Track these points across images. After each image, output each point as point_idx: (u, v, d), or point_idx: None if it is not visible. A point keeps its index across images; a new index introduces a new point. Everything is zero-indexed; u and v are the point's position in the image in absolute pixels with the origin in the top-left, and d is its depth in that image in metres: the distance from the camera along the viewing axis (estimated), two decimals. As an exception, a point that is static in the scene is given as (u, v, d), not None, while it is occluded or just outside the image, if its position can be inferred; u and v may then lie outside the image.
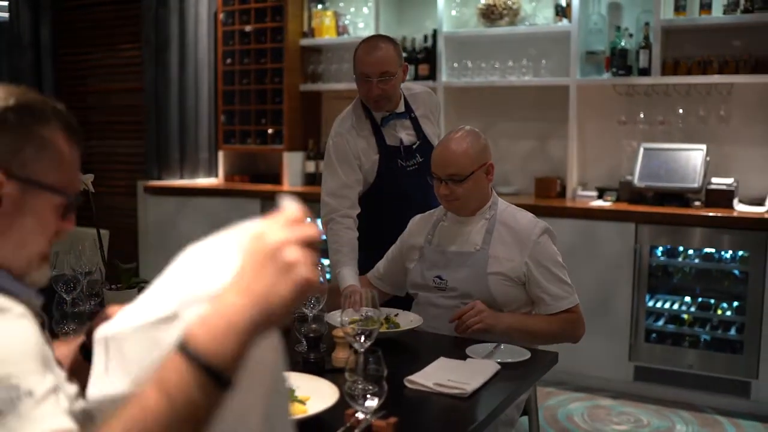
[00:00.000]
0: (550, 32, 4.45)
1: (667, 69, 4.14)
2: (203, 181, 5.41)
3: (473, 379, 1.77)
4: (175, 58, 5.23)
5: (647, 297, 3.92)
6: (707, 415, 3.67)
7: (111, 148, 5.82)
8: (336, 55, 5.23)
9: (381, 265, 2.54)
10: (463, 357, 1.94)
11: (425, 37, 4.79)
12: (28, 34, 5.72)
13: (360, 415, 1.49)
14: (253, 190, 5.03)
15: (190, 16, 5.25)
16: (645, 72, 4.15)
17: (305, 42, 5.17)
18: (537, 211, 4.16)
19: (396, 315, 2.22)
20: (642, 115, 4.33)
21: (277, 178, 5.28)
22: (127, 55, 5.59)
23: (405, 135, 2.81)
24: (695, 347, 3.85)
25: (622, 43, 4.22)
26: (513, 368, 1.91)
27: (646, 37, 4.14)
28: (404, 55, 4.80)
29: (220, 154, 5.45)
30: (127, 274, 2.28)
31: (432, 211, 2.47)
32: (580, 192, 4.39)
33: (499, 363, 1.89)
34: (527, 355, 1.99)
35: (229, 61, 5.34)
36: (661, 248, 3.95)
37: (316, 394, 1.62)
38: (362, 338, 1.72)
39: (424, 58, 4.79)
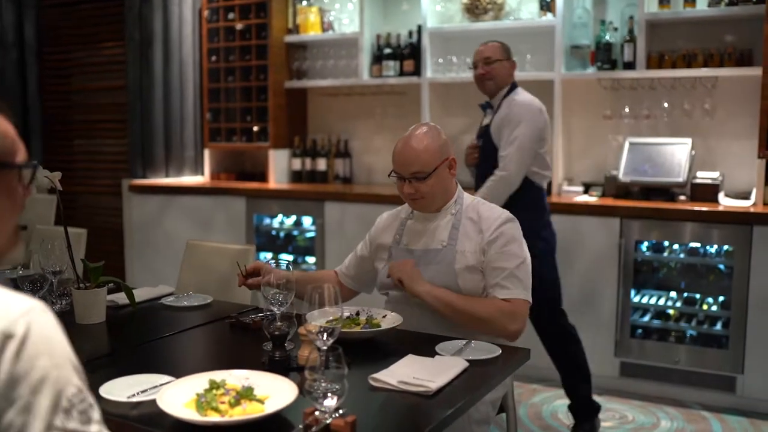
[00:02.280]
0: (535, 27, 4.41)
1: (652, 63, 4.10)
2: (189, 180, 5.38)
3: (439, 376, 1.74)
4: (159, 55, 5.20)
5: (633, 292, 3.89)
6: (693, 411, 3.64)
7: (96, 147, 5.78)
8: (321, 51, 5.20)
9: (349, 262, 2.51)
10: (432, 354, 1.91)
11: (410, 33, 4.76)
12: (12, 34, 5.68)
13: (319, 414, 1.46)
14: (238, 188, 5.00)
15: (174, 13, 5.21)
16: (630, 66, 4.11)
17: (290, 38, 5.13)
18: (522, 206, 4.18)
19: (384, 317, 2.18)
20: (627, 110, 4.30)
21: (263, 176, 5.25)
22: (110, 53, 5.55)
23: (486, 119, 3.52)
24: (681, 342, 3.82)
25: (607, 37, 4.19)
26: (482, 365, 1.88)
27: (631, 31, 4.11)
28: (388, 51, 4.81)
29: (206, 152, 5.42)
30: (95, 273, 2.24)
31: (399, 209, 2.44)
32: (566, 187, 4.36)
33: (467, 360, 1.86)
34: (497, 351, 1.96)
35: (214, 58, 5.30)
36: (646, 243, 3.93)
37: (276, 393, 1.59)
38: (324, 336, 1.69)
39: (409, 54, 4.76)
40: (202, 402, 1.51)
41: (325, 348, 1.68)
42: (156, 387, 1.64)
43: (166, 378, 1.70)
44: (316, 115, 5.40)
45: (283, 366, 1.84)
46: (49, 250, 2.34)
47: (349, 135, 5.25)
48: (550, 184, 4.37)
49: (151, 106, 5.22)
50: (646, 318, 3.95)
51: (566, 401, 3.52)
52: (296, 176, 5.23)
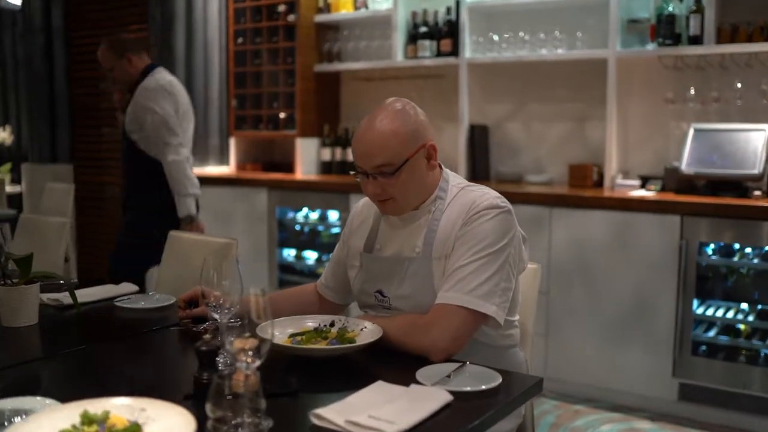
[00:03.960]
0: (587, -2, 3.90)
1: (723, 36, 3.53)
2: (213, 170, 5.05)
3: (405, 415, 1.29)
4: (181, 37, 4.88)
5: (695, 303, 3.34)
6: (766, 445, 3.08)
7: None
8: (353, 32, 4.79)
9: (328, 270, 2.08)
10: (409, 382, 1.47)
11: (448, 9, 4.30)
12: (40, 18, 5.47)
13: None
14: (260, 180, 4.64)
15: (198, -9, 4.90)
16: (696, 40, 3.56)
17: (320, 18, 4.75)
18: (571, 202, 3.69)
19: (363, 329, 1.74)
20: (692, 92, 3.73)
21: (291, 167, 4.89)
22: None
23: None
24: (753, 363, 3.25)
25: (670, 8, 3.63)
26: (471, 400, 1.43)
27: (698, 0, 3.55)
28: (424, 29, 4.37)
29: (232, 141, 5.08)
30: (23, 266, 1.88)
31: None
32: (620, 180, 3.83)
33: (452, 392, 1.41)
34: (496, 380, 1.49)
35: (240, 40, 4.96)
36: (712, 245, 3.37)
37: (174, 433, 1.17)
38: (249, 357, 1.27)
39: (446, 32, 4.31)
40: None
41: (249, 372, 1.27)
42: (19, 416, 1.25)
43: (47, 401, 1.31)
44: (348, 102, 4.99)
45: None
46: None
47: (382, 123, 4.81)
48: (602, 177, 3.88)
49: (173, 91, 4.90)
50: (711, 333, 3.39)
51: (615, 426, 3.01)
52: (326, 167, 4.83)
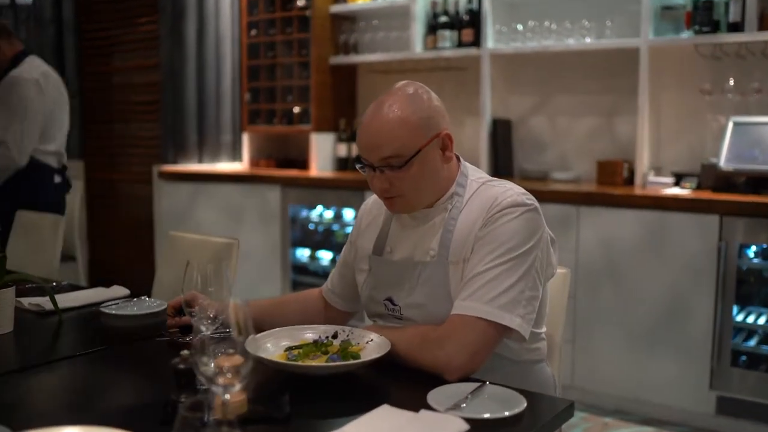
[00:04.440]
0: (618, -16, 3.67)
1: (766, 23, 3.28)
2: (225, 167, 4.89)
3: (412, 450, 1.09)
4: (192, 29, 4.72)
5: (735, 309, 3.10)
6: (813, 465, 2.83)
7: (134, 131, 5.37)
8: (371, 22, 4.59)
9: (334, 274, 1.88)
10: (419, 406, 1.27)
11: (469, -2, 4.09)
12: (50, 9, 5.34)
13: None
14: (272, 176, 4.45)
15: (210, -18, 4.73)
16: (737, 27, 3.31)
17: (336, 8, 4.55)
18: (599, 200, 3.47)
19: (370, 341, 1.54)
20: (731, 82, 3.48)
21: (306, 164, 4.70)
22: (145, 29, 5.12)
23: None
24: (798, 375, 3.01)
25: (708, -7, 3.39)
26: (491, 428, 1.22)
27: (739, -16, 3.30)
28: (444, 19, 4.16)
29: (245, 137, 4.91)
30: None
31: None
32: (652, 178, 3.59)
33: (467, 419, 1.20)
34: (521, 404, 1.29)
35: (254, 32, 4.79)
36: (753, 247, 3.12)
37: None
38: (224, 377, 1.08)
39: (468, 22, 4.09)
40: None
41: (228, 396, 1.07)
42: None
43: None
44: (365, 95, 4.79)
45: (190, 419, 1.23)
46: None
47: (400, 117, 4.61)
48: (633, 174, 3.64)
49: (183, 86, 4.75)
50: (752, 342, 3.14)
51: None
52: (342, 164, 4.64)
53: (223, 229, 4.51)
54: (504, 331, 1.47)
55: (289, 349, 1.52)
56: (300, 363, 1.43)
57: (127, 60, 5.31)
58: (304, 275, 4.49)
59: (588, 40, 3.78)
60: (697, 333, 3.12)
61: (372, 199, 1.83)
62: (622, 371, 3.31)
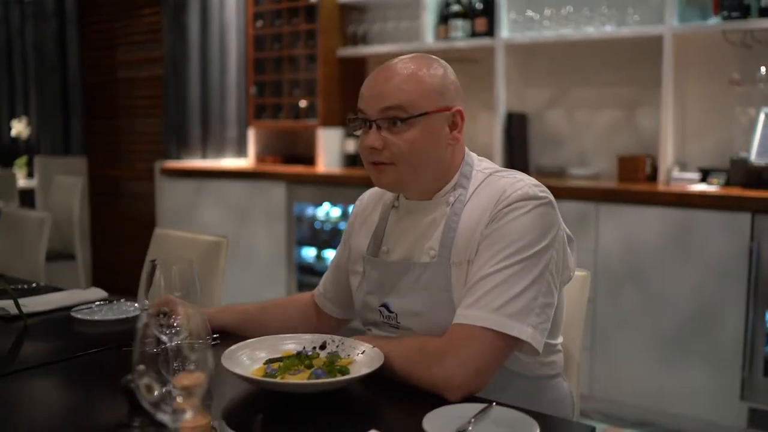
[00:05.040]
0: (640, -32, 3.45)
1: (800, 7, 3.07)
2: (230, 162, 4.73)
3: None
4: (195, 20, 4.57)
5: (767, 315, 2.88)
6: None
7: (138, 126, 5.22)
8: (380, 12, 4.41)
9: (327, 275, 1.70)
10: (413, 431, 1.08)
11: (483, -15, 3.89)
12: (52, 3, 5.21)
13: None
14: (277, 173, 4.28)
15: (214, -29, 4.57)
16: (768, 13, 3.10)
17: (344, -2, 4.38)
18: (620, 197, 3.26)
19: (361, 353, 1.35)
20: (763, 71, 3.26)
21: (313, 159, 4.53)
22: (148, 21, 4.97)
23: None
24: (836, 386, 2.79)
25: (737, -24, 3.17)
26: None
27: (771, -34, 3.08)
28: (457, 8, 3.96)
29: (250, 131, 4.74)
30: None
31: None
32: (677, 173, 3.38)
33: (468, 451, 1.01)
34: (533, 430, 1.09)
35: (260, 23, 4.62)
36: (788, 248, 2.90)
37: None
38: (176, 401, 0.90)
39: (481, 11, 3.89)
40: None
41: (177, 427, 0.90)
42: None
43: None
44: (375, 89, 4.60)
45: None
46: None
47: (411, 111, 4.43)
48: (656, 170, 3.43)
49: (186, 79, 4.59)
50: (786, 350, 2.93)
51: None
52: (350, 160, 4.46)
53: (227, 228, 4.34)
54: (514, 343, 1.28)
55: (269, 362, 1.33)
56: (277, 380, 1.25)
57: (130, 53, 5.17)
58: (310, 275, 4.32)
59: (608, 27, 3.57)
60: (727, 340, 2.90)
61: (368, 194, 1.64)
62: (645, 380, 3.10)
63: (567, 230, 1.42)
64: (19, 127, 5.98)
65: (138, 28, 5.06)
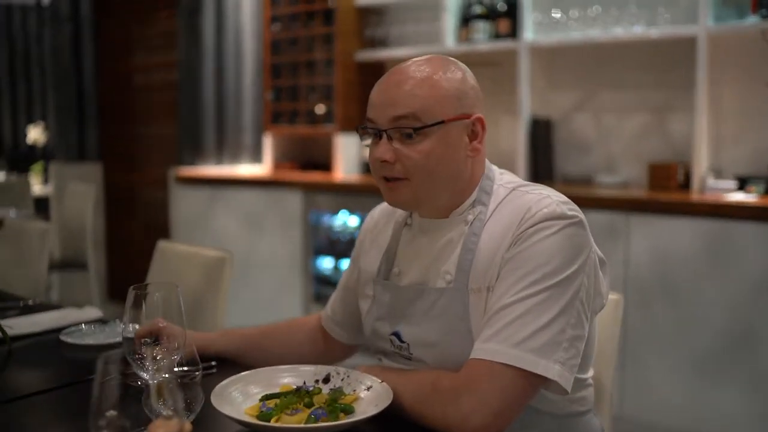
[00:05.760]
0: (672, -35, 3.28)
1: None
2: (246, 168, 4.62)
3: None
4: (210, 23, 4.47)
5: (811, 333, 2.70)
6: None
7: (154, 132, 5.14)
8: (399, 14, 4.28)
9: (335, 297, 1.56)
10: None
11: (506, -15, 3.75)
12: (67, 8, 5.14)
13: None
14: (292, 181, 4.16)
15: (229, -27, 4.48)
16: (811, 11, 2.91)
17: (363, 0, 4.25)
18: (651, 207, 3.08)
19: (368, 389, 1.21)
20: (805, 74, 3.08)
21: (329, 166, 4.41)
22: (164, 25, 4.88)
23: None
24: None
25: (777, -27, 2.99)
26: None
27: (814, -39, 2.90)
28: (479, 10, 3.82)
29: (267, 137, 4.63)
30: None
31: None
32: (712, 182, 3.19)
33: None
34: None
35: (277, 27, 4.50)
36: (833, 263, 2.72)
37: None
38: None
39: (504, 12, 3.74)
40: None
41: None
42: None
43: None
44: (394, 93, 4.46)
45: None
46: None
47: (431, 117, 4.29)
48: (689, 178, 3.25)
49: (200, 84, 4.49)
50: (832, 371, 2.73)
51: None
52: (368, 167, 4.32)
53: (242, 237, 4.24)
54: (539, 382, 1.13)
55: (265, 398, 1.20)
56: (272, 423, 1.11)
57: (145, 58, 5.08)
58: (327, 287, 4.18)
59: (637, 28, 3.39)
60: (766, 360, 2.71)
61: (379, 209, 1.51)
62: (678, 402, 2.92)
63: (599, 252, 1.27)
64: (35, 133, 5.93)
65: (153, 32, 4.98)
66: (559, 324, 1.13)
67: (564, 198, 1.23)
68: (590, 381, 1.35)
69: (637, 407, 3.02)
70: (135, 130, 5.24)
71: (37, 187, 5.64)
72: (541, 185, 1.29)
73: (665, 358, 2.95)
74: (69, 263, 4.39)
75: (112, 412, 0.99)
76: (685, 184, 3.31)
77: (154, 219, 5.05)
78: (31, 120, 6.12)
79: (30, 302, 1.96)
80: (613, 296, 1.49)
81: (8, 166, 6.01)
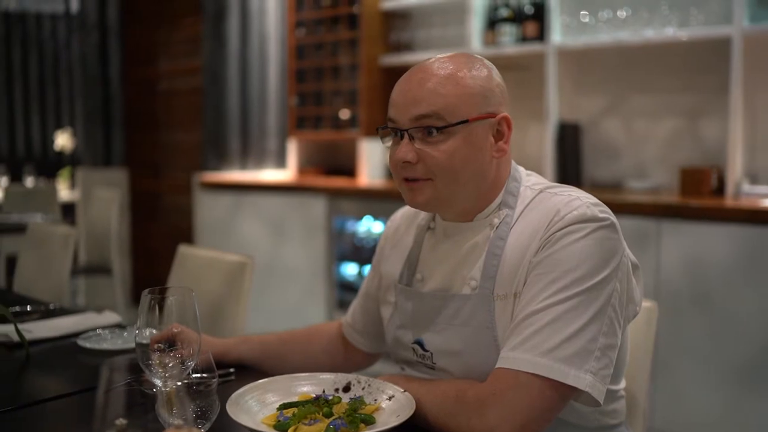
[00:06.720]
0: (705, -34, 3.20)
1: None
2: (271, 174, 4.60)
3: None
4: (235, 29, 4.47)
5: None
6: None
7: (179, 138, 5.15)
8: (424, 19, 4.24)
9: (356, 304, 1.51)
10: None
11: (533, -13, 3.69)
12: (94, 15, 5.18)
13: None
14: (316, 186, 4.13)
15: (254, -21, 4.47)
16: None
17: (388, 5, 4.21)
18: (684, 213, 3.00)
19: (390, 398, 1.16)
20: None
21: (354, 172, 4.38)
22: (189, 31, 4.89)
23: None
24: None
25: (814, -28, 2.90)
26: None
27: None
28: (505, 13, 3.76)
29: (291, 143, 4.61)
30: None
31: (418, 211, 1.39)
32: (747, 187, 3.10)
33: None
34: None
35: (302, 32, 4.49)
36: None
37: None
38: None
39: (532, 15, 3.68)
40: None
41: None
42: None
43: None
44: (419, 98, 4.42)
45: None
46: None
47: (457, 122, 4.23)
48: (723, 183, 3.16)
49: (225, 90, 4.49)
50: None
51: None
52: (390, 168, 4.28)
53: (266, 243, 4.21)
54: (569, 392, 1.07)
55: (283, 407, 1.15)
56: (289, 433, 1.06)
57: (171, 64, 5.10)
58: (351, 293, 4.14)
59: (669, 30, 3.32)
60: (806, 372, 2.62)
61: (401, 213, 1.46)
62: (712, 416, 2.83)
63: (632, 256, 1.21)
64: (63, 139, 5.97)
65: (178, 38, 4.99)
66: (590, 332, 1.07)
67: (595, 200, 1.17)
68: (622, 392, 1.28)
69: (668, 420, 2.92)
70: (160, 135, 5.25)
71: (64, 192, 5.68)
72: (571, 186, 1.23)
73: (698, 369, 2.85)
74: (94, 268, 4.40)
75: (121, 421, 0.96)
76: (719, 190, 3.21)
77: (178, 224, 5.05)
78: (59, 126, 6.18)
79: (51, 306, 1.94)
80: (646, 303, 1.42)
81: (36, 171, 6.06)
